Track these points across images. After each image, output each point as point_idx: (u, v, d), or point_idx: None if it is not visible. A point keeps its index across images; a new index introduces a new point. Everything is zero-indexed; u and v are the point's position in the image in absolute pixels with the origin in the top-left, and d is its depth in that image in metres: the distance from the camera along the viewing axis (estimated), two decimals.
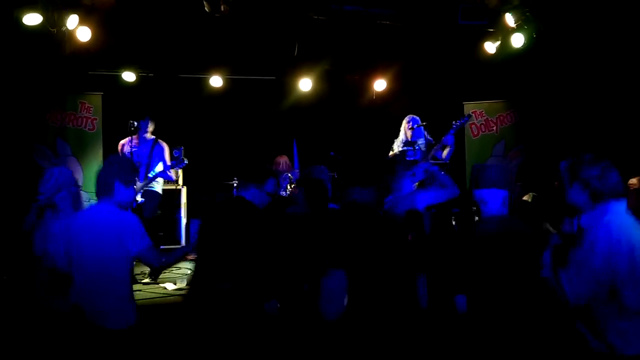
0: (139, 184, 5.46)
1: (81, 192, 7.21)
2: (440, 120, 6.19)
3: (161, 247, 6.09)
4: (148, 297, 5.01)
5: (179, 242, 7.35)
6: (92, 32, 5.96)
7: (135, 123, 5.83)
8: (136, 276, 5.53)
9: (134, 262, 3.03)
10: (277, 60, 7.52)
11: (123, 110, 7.00)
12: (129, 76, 7.39)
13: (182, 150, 7.19)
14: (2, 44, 6.01)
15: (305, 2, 6.36)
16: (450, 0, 6.17)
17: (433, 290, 3.00)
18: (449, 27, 6.50)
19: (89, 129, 7.52)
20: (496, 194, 2.90)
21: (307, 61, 7.49)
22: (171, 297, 5.00)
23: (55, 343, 3.01)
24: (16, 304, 3.24)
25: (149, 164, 5.84)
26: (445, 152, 5.74)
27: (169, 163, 5.84)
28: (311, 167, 4.42)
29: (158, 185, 5.98)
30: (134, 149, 5.84)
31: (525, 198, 4.71)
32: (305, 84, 7.78)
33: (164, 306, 4.71)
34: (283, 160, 7.04)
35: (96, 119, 7.53)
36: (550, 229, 2.99)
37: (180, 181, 7.39)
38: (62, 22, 5.59)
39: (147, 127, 6.02)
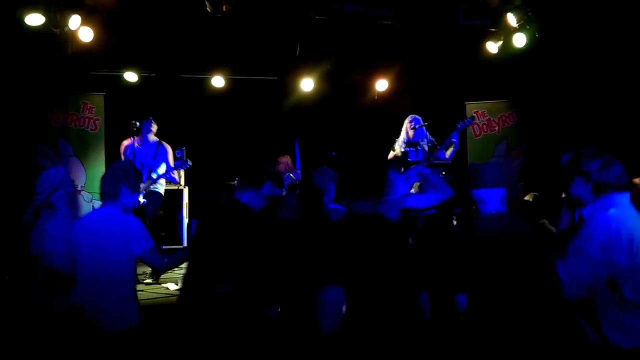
0: (142, 185, 5.48)
1: (78, 191, 7.32)
2: (442, 121, 6.18)
3: (163, 247, 6.09)
4: (150, 297, 5.02)
5: (180, 243, 7.35)
6: (94, 33, 5.98)
7: (138, 123, 5.83)
8: (138, 276, 5.54)
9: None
10: (278, 60, 7.53)
11: (125, 111, 7.01)
12: (131, 76, 7.40)
13: (184, 150, 7.23)
14: (5, 44, 6.02)
15: (307, 2, 6.36)
16: (452, 0, 6.17)
17: (433, 291, 2.98)
18: (450, 26, 6.50)
19: (91, 129, 7.53)
20: (494, 193, 2.92)
21: (308, 61, 7.49)
22: (173, 298, 4.99)
23: (54, 343, 3.02)
24: (16, 304, 3.25)
25: (152, 165, 5.85)
26: (448, 152, 5.72)
27: (172, 165, 5.84)
28: (314, 170, 4.38)
29: (161, 187, 5.99)
30: (136, 150, 5.84)
31: (527, 198, 4.71)
32: (307, 84, 7.78)
33: (166, 306, 4.72)
34: (285, 160, 7.05)
35: (98, 119, 7.54)
36: (549, 226, 2.99)
37: (182, 181, 7.39)
38: (64, 23, 5.61)
39: (150, 128, 6.02)
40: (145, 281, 5.65)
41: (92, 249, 2.87)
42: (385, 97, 8.04)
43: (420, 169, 3.85)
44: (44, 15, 5.41)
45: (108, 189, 2.95)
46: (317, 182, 3.82)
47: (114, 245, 2.85)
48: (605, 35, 5.90)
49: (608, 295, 2.19)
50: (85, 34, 5.91)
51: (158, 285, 5.51)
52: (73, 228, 3.01)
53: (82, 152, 7.47)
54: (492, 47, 6.59)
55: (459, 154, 6.05)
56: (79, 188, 7.38)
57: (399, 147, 5.98)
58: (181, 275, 5.78)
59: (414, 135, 5.89)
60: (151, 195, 5.75)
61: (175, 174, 5.88)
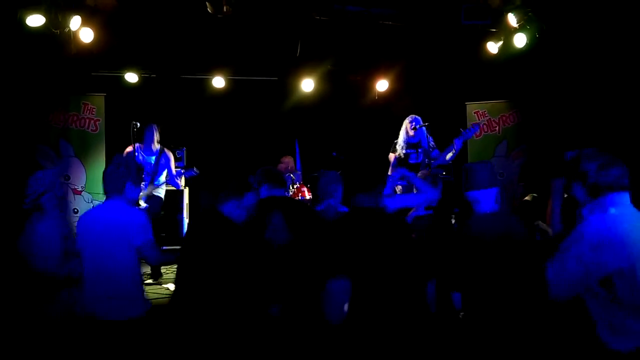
0: (143, 191, 5.50)
1: (78, 192, 7.32)
2: (442, 121, 6.17)
3: (163, 247, 6.10)
4: (151, 297, 5.01)
5: (180, 243, 7.35)
6: (94, 33, 5.98)
7: (138, 124, 5.83)
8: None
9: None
10: (279, 60, 7.53)
11: (126, 112, 7.01)
12: (131, 77, 7.41)
13: (185, 151, 7.24)
14: (6, 45, 6.02)
15: (308, 3, 6.36)
16: (453, 0, 6.17)
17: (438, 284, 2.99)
18: (451, 27, 6.49)
19: (91, 130, 7.54)
20: (488, 193, 2.95)
21: (309, 62, 7.49)
22: None
23: (53, 343, 3.05)
24: (10, 308, 3.25)
25: (155, 172, 5.85)
26: (449, 155, 5.72)
27: (174, 172, 5.85)
28: (320, 172, 4.31)
29: (162, 191, 6.02)
30: (139, 158, 5.84)
31: (526, 198, 4.72)
32: (307, 85, 7.77)
33: (167, 307, 4.70)
34: (287, 160, 7.05)
35: (99, 120, 7.55)
36: (545, 227, 3.00)
37: (183, 182, 7.40)
38: (65, 23, 5.61)
39: (153, 136, 5.96)
40: (145, 282, 5.65)
41: (99, 238, 3.06)
42: (385, 97, 8.03)
43: (404, 172, 3.89)
44: (44, 16, 5.42)
45: (113, 184, 3.17)
46: (321, 184, 3.81)
47: (120, 235, 3.05)
48: (605, 35, 5.90)
49: (602, 295, 2.18)
50: (86, 35, 5.92)
51: (159, 286, 5.51)
52: (62, 230, 3.18)
53: (83, 152, 7.47)
54: (493, 47, 6.59)
55: (460, 154, 6.04)
56: (79, 188, 7.39)
57: (400, 149, 5.97)
58: None
59: (415, 135, 5.88)
60: (152, 199, 5.77)
61: (179, 180, 5.88)
